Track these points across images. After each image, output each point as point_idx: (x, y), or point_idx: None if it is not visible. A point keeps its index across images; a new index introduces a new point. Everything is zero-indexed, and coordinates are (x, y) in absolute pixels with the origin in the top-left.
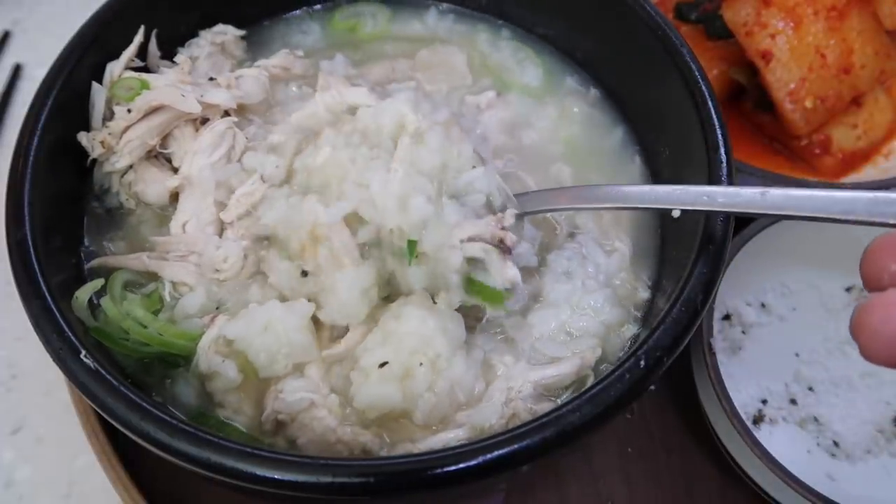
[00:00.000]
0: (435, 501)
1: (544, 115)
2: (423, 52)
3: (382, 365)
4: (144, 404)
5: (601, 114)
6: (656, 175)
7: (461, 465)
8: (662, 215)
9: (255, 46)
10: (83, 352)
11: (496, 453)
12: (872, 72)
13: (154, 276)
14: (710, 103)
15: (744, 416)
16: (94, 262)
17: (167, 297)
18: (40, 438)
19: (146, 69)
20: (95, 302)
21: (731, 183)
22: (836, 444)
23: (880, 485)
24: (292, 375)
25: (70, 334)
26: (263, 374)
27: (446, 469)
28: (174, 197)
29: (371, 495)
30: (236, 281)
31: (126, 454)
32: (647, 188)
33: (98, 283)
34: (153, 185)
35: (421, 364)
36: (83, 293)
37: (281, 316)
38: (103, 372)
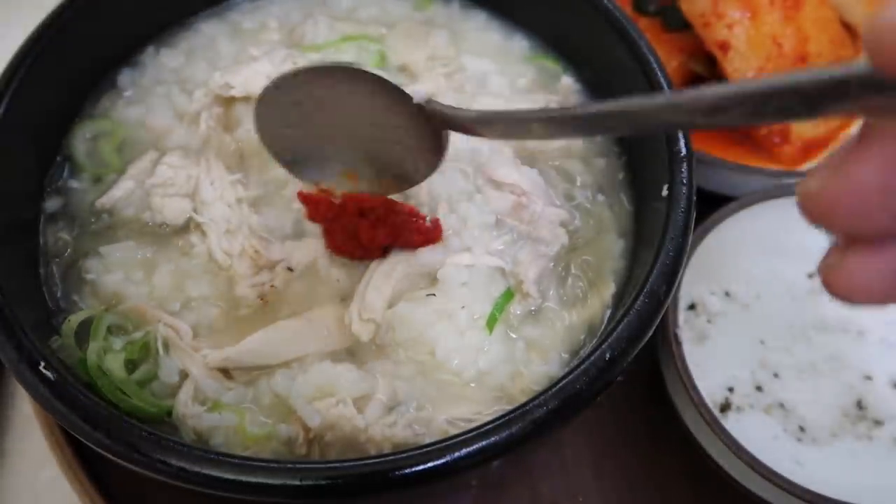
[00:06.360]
0: (405, 500)
1: None
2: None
3: None
4: (107, 415)
5: None
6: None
7: (429, 465)
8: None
9: None
10: (42, 363)
11: (463, 451)
12: (828, 60)
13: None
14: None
15: (711, 405)
16: None
17: (160, 350)
18: (4, 452)
19: None
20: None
21: (690, 174)
22: (802, 429)
23: (847, 468)
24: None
25: (28, 345)
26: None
27: (414, 469)
28: None
29: (340, 497)
30: None
31: (92, 464)
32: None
33: (88, 314)
34: None
35: None
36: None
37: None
38: (63, 384)
